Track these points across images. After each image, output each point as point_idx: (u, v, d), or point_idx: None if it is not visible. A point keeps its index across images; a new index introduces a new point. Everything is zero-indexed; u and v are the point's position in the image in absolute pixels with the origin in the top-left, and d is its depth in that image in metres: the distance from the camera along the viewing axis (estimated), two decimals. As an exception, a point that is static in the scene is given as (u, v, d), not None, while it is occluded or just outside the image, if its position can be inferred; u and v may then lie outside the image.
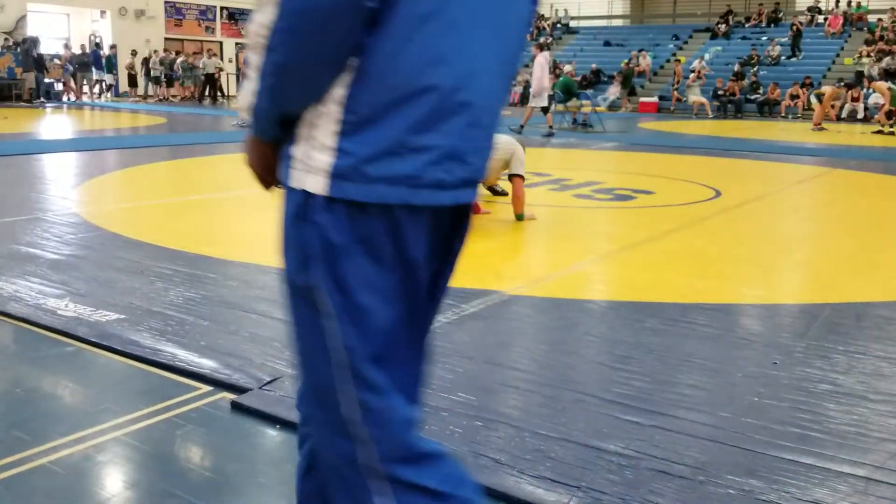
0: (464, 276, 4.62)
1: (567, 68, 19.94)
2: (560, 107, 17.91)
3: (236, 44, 30.69)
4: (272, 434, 2.56)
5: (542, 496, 2.14)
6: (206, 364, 3.03)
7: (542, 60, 15.28)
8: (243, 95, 1.26)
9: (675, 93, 24.73)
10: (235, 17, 30.91)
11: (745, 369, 3.12)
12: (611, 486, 2.20)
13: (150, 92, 25.85)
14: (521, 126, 15.04)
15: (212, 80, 25.08)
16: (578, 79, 21.91)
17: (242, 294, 4.01)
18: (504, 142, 5.98)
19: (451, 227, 1.36)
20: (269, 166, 1.29)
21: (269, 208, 7.08)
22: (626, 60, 26.23)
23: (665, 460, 2.34)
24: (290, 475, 2.31)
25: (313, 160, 1.20)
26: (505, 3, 1.27)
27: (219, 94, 25.49)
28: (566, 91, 17.14)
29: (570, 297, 4.15)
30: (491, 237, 5.64)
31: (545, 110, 15.10)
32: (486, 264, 5.08)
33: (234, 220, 6.25)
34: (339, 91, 1.17)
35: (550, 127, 15.36)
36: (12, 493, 2.15)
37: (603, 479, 2.23)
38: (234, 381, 2.87)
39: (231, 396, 2.78)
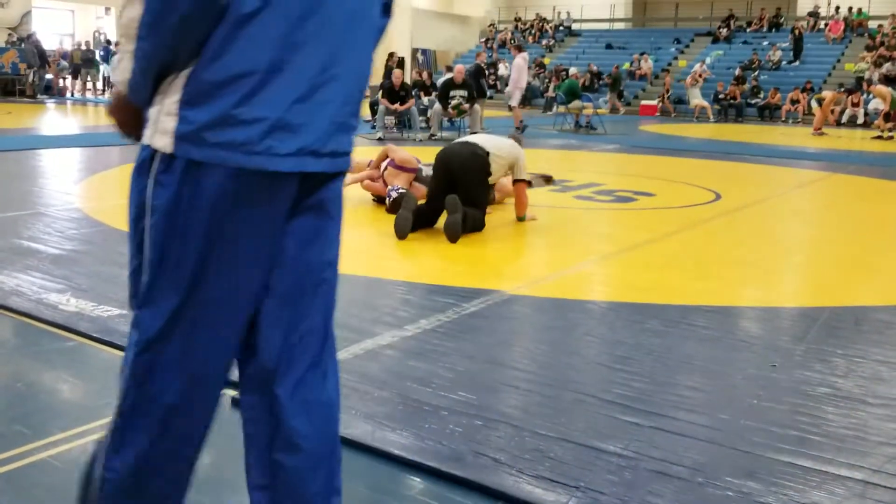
0: (465, 275, 4.65)
1: (572, 71, 19.92)
2: (562, 108, 17.92)
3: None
4: (272, 431, 2.56)
5: (541, 496, 2.15)
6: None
7: (520, 62, 15.41)
8: (120, 72, 1.44)
9: (668, 102, 24.80)
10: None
11: (744, 371, 3.13)
12: (610, 486, 2.20)
13: None
14: (517, 128, 15.10)
15: None
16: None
17: (243, 291, 4.01)
18: (507, 146, 5.96)
19: (305, 194, 1.52)
20: (138, 123, 1.49)
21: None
22: (616, 64, 26.24)
23: (664, 461, 2.35)
24: (290, 472, 2.32)
25: (162, 123, 1.41)
26: (348, 5, 1.47)
27: None
28: (571, 93, 17.15)
29: (570, 298, 4.16)
30: (492, 237, 5.65)
31: (510, 108, 15.15)
32: (487, 264, 5.09)
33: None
34: (187, 68, 1.39)
35: (521, 122, 15.46)
36: (13, 487, 2.16)
37: (602, 479, 2.24)
38: (235, 378, 2.87)
39: (232, 393, 2.78)
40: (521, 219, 6.16)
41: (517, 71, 15.33)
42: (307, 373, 1.61)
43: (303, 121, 1.42)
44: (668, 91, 25.16)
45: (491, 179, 5.89)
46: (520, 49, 16.24)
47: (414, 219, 5.45)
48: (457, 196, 5.43)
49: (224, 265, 1.46)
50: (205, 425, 1.61)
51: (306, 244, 1.57)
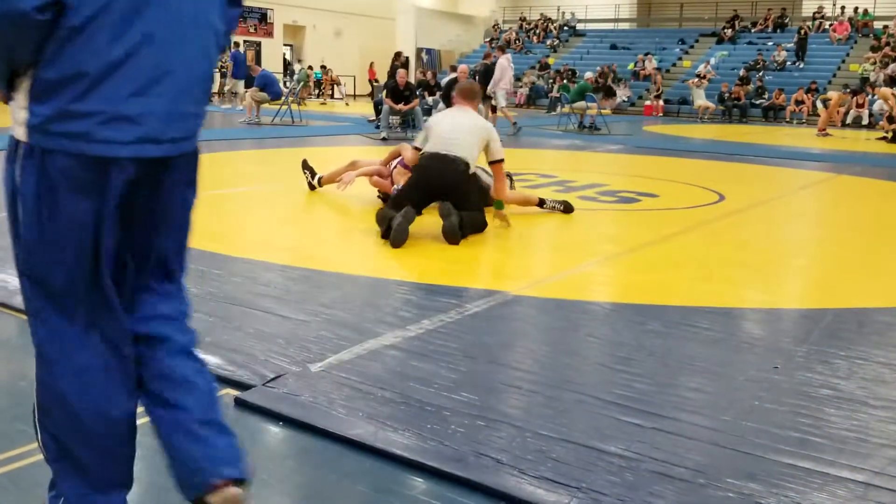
0: (468, 275, 4.65)
1: (588, 75, 19.90)
2: (566, 108, 17.92)
3: (244, 41, 30.72)
4: (275, 431, 2.57)
5: (543, 496, 2.15)
6: (210, 360, 3.04)
7: (503, 62, 15.47)
8: None
9: (658, 101, 24.81)
10: (244, 14, 30.89)
11: (746, 373, 3.13)
12: (611, 487, 2.21)
13: None
14: (515, 125, 15.18)
15: None
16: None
17: (247, 290, 4.02)
18: (476, 135, 5.73)
19: (155, 175, 1.71)
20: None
21: (275, 205, 7.04)
22: (607, 64, 26.20)
23: (665, 462, 2.35)
24: (292, 471, 2.33)
25: (17, 115, 1.62)
26: (180, 9, 1.65)
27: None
28: (579, 94, 17.14)
29: (573, 299, 4.16)
30: (494, 238, 5.65)
31: (493, 109, 15.08)
32: (489, 264, 5.09)
33: (239, 216, 6.26)
34: (32, 69, 1.59)
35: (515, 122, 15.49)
36: (16, 485, 2.17)
37: (603, 480, 2.24)
38: (238, 378, 2.89)
39: (234, 393, 2.79)
40: (498, 205, 5.91)
41: (500, 71, 15.38)
42: (157, 311, 1.84)
43: (140, 112, 1.62)
44: (658, 91, 25.24)
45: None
46: (503, 50, 16.34)
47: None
48: (448, 203, 5.33)
49: (84, 239, 1.65)
50: (120, 387, 1.77)
51: (159, 216, 1.78)
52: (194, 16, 1.69)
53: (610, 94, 24.48)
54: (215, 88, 25.34)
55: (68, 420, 1.73)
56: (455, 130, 5.72)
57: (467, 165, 5.63)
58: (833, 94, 19.58)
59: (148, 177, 1.69)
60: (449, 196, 5.45)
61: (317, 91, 28.37)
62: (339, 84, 29.87)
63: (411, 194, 5.55)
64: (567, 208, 6.63)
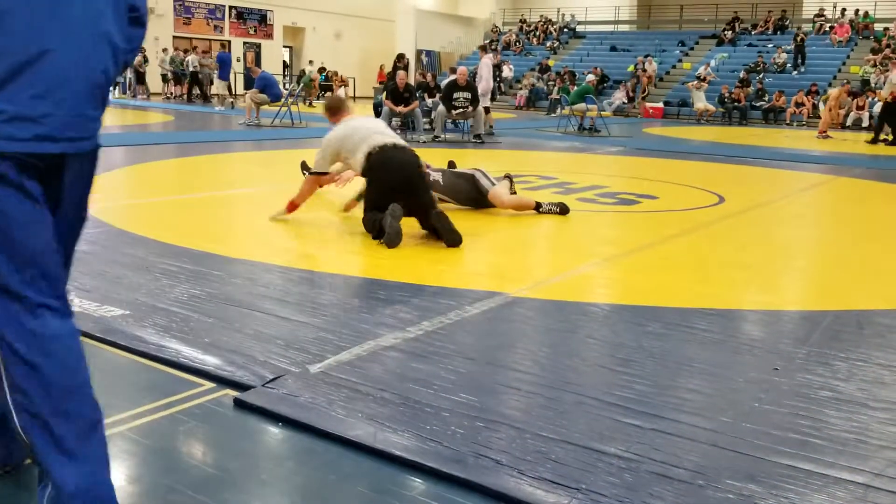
0: (467, 277, 4.65)
1: (590, 78, 19.91)
2: (566, 110, 17.93)
3: (244, 43, 30.75)
4: (274, 431, 2.57)
5: (542, 497, 2.15)
6: (210, 361, 3.05)
7: (487, 62, 15.46)
8: None
9: (645, 103, 24.85)
10: (244, 16, 30.97)
11: (745, 374, 3.13)
12: (610, 488, 2.21)
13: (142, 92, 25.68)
14: (491, 127, 15.17)
15: (197, 79, 24.46)
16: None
17: (247, 292, 4.03)
18: (384, 123, 5.95)
19: (55, 172, 1.83)
20: None
21: (274, 206, 7.03)
22: (597, 67, 26.26)
23: (665, 464, 2.35)
24: (292, 472, 2.33)
25: None
26: (78, 8, 1.78)
27: (198, 91, 24.58)
28: (581, 97, 17.16)
29: (572, 300, 4.16)
30: (494, 240, 5.65)
31: (487, 111, 15.04)
32: (488, 266, 5.09)
33: (239, 217, 6.27)
34: None
35: (491, 127, 15.35)
36: (16, 485, 2.17)
37: (603, 481, 2.24)
38: (238, 379, 2.89)
39: (234, 393, 2.80)
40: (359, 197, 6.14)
41: (487, 71, 15.37)
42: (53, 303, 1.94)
43: (42, 113, 1.74)
44: (644, 90, 25.29)
45: None
46: (485, 50, 16.36)
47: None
48: (436, 212, 5.32)
49: (17, 223, 1.75)
50: (79, 356, 1.91)
51: (65, 214, 1.90)
52: (93, 32, 1.83)
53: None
54: (214, 90, 25.40)
55: (43, 392, 1.80)
56: (381, 129, 5.77)
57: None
58: (833, 91, 19.56)
59: (49, 171, 1.81)
60: (414, 186, 5.43)
61: (318, 94, 28.38)
62: (346, 85, 29.90)
63: (386, 197, 5.34)
64: (563, 210, 6.65)
